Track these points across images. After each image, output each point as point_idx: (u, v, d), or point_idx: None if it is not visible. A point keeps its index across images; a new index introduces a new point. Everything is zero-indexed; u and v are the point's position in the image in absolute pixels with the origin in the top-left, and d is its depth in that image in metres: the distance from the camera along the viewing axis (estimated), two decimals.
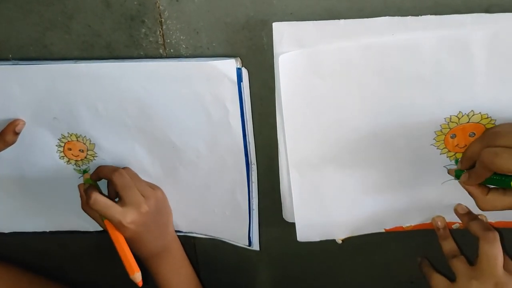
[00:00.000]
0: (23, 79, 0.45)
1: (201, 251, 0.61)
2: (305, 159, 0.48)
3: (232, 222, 0.55)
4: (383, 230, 0.54)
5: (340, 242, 0.55)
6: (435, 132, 0.45)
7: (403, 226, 0.54)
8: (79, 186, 0.53)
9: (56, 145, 0.51)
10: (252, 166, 0.51)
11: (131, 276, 0.48)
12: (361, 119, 0.45)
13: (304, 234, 0.53)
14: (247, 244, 0.57)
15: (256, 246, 0.57)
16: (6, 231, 0.60)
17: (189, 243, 0.59)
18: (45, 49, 0.45)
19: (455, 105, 0.43)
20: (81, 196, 0.52)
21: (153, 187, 0.52)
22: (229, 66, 0.43)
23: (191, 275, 0.57)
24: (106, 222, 0.49)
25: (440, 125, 0.44)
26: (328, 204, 0.51)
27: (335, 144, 0.46)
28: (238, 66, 0.43)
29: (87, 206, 0.50)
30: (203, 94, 0.45)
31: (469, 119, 0.44)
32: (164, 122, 0.48)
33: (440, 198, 0.50)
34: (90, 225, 0.57)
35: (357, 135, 0.46)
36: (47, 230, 0.60)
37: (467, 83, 0.42)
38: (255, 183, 0.52)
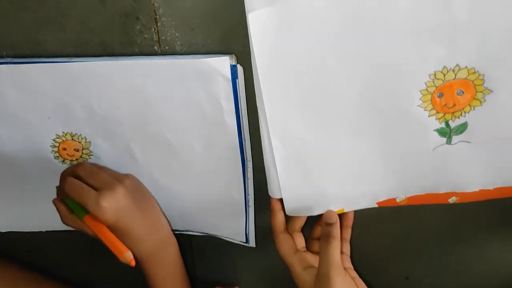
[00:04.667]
0: (16, 78, 0.45)
1: (196, 247, 0.61)
2: (287, 127, 0.45)
3: (228, 219, 0.55)
4: (376, 205, 0.51)
5: None
6: (420, 91, 0.42)
7: (397, 200, 0.51)
8: (53, 201, 0.50)
9: (51, 145, 0.51)
10: (248, 163, 0.51)
11: (122, 257, 0.46)
12: (341, 80, 0.42)
13: (292, 207, 0.50)
14: (244, 241, 0.57)
15: (252, 243, 0.57)
16: (2, 230, 0.60)
17: (185, 239, 0.59)
18: (39, 46, 0.44)
19: (438, 59, 0.40)
20: (58, 210, 0.50)
21: (124, 174, 0.51)
22: (223, 63, 0.43)
23: (185, 277, 0.56)
24: (86, 217, 0.47)
25: (425, 83, 0.41)
26: (314, 175, 0.48)
27: (317, 110, 0.44)
28: (233, 63, 0.43)
29: (66, 218, 0.50)
30: (198, 92, 0.45)
31: (455, 74, 0.41)
32: (159, 120, 0.47)
33: (433, 165, 0.47)
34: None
35: (339, 98, 0.43)
36: (43, 230, 0.59)
37: (449, 34, 0.39)
38: (251, 179, 0.52)
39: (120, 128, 0.48)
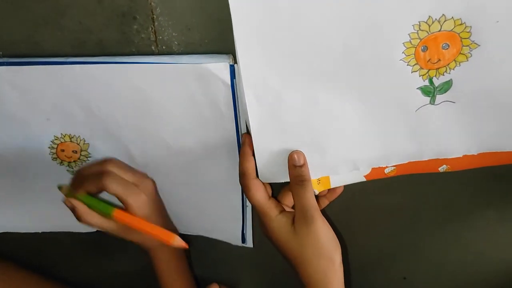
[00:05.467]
0: (14, 80, 0.45)
1: (195, 248, 0.61)
2: (262, 81, 0.42)
3: (225, 221, 0.55)
4: (364, 179, 0.49)
5: (317, 192, 0.49)
6: (403, 43, 0.39)
7: (385, 171, 0.49)
8: (68, 201, 0.49)
9: (49, 147, 0.51)
10: None
11: (172, 243, 0.47)
12: (321, 29, 0.39)
13: (265, 172, 0.47)
14: (241, 242, 0.57)
15: (249, 243, 0.57)
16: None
17: (184, 239, 0.58)
18: (36, 45, 0.44)
19: (423, 8, 0.38)
20: (74, 208, 0.48)
21: (142, 176, 0.51)
22: (222, 68, 0.42)
23: (188, 271, 0.56)
24: (116, 212, 0.47)
25: (409, 34, 0.39)
26: (289, 136, 0.45)
27: (295, 63, 0.41)
28: (231, 63, 0.43)
29: (86, 214, 0.48)
30: (196, 95, 0.45)
31: (441, 26, 0.38)
32: (157, 122, 0.47)
33: (415, 128, 0.44)
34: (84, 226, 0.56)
35: (318, 49, 0.40)
36: (40, 231, 0.59)
37: None
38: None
39: (119, 130, 0.48)
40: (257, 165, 0.46)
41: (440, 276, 0.59)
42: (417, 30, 0.39)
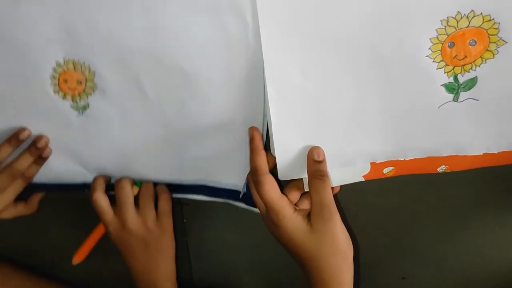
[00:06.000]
0: None
1: (193, 250, 0.60)
2: (284, 72, 0.42)
3: (234, 162, 0.50)
4: (362, 179, 0.49)
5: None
6: (430, 39, 0.40)
7: (384, 172, 0.49)
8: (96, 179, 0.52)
9: (50, 76, 0.46)
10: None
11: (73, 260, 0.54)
12: (347, 22, 0.39)
13: (285, 169, 0.46)
14: (245, 188, 0.52)
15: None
16: None
17: (182, 242, 0.58)
18: None
19: (452, 3, 0.38)
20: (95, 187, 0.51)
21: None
22: None
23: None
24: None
25: (436, 30, 0.39)
26: (311, 132, 0.45)
27: (318, 56, 0.41)
28: None
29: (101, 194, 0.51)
30: (220, 4, 0.40)
31: (469, 22, 0.39)
32: (172, 41, 0.42)
33: (437, 124, 0.44)
34: (83, 176, 0.54)
35: (342, 42, 0.40)
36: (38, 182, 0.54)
37: None
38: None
39: (129, 55, 0.44)
40: (277, 161, 0.45)
41: (439, 276, 0.59)
42: (445, 26, 0.39)
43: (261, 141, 0.45)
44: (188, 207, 0.57)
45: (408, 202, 0.53)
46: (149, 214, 0.51)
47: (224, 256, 0.60)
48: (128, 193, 0.51)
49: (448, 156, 0.46)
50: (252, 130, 0.46)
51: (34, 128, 0.50)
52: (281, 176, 0.46)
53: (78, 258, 0.55)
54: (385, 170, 0.48)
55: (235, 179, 0.52)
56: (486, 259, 0.56)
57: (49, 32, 0.43)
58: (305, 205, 0.49)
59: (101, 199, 0.51)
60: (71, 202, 0.58)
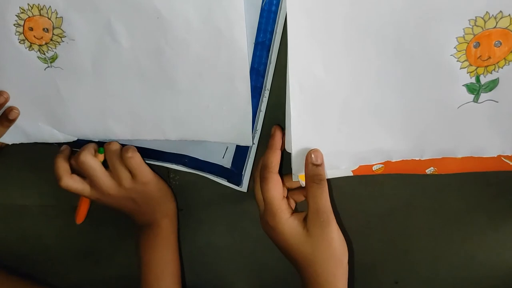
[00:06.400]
0: None
1: (186, 256, 0.58)
2: (307, 65, 0.41)
3: (231, 119, 0.46)
4: (351, 173, 0.49)
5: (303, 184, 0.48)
6: (456, 38, 0.40)
7: (373, 169, 0.49)
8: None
9: (14, 24, 0.43)
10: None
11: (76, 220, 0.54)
12: (373, 15, 0.39)
13: (300, 163, 0.46)
14: (250, 143, 0.48)
15: (244, 188, 0.51)
16: None
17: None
18: None
19: (481, 3, 0.38)
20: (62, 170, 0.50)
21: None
22: None
23: (174, 260, 0.54)
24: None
25: (463, 29, 0.39)
26: (329, 127, 0.45)
27: (342, 50, 0.41)
28: None
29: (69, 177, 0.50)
30: None
31: (496, 23, 0.39)
32: None
33: (455, 125, 0.44)
34: (55, 137, 0.50)
35: (368, 38, 0.40)
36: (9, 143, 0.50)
37: None
38: (263, 113, 0.46)
39: None
40: (293, 155, 0.45)
41: (431, 280, 0.59)
42: (472, 26, 0.39)
43: (280, 140, 0.45)
44: (182, 213, 0.56)
45: (401, 206, 0.54)
46: (122, 175, 0.49)
47: (217, 262, 0.59)
48: (91, 165, 0.49)
49: (437, 158, 0.47)
50: (274, 128, 0.46)
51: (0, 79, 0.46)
52: (296, 171, 0.46)
53: (79, 220, 0.54)
54: (374, 168, 0.49)
55: (219, 138, 0.48)
56: (479, 263, 0.57)
57: None
58: (298, 196, 0.49)
59: (71, 183, 0.49)
60: (64, 205, 0.57)
